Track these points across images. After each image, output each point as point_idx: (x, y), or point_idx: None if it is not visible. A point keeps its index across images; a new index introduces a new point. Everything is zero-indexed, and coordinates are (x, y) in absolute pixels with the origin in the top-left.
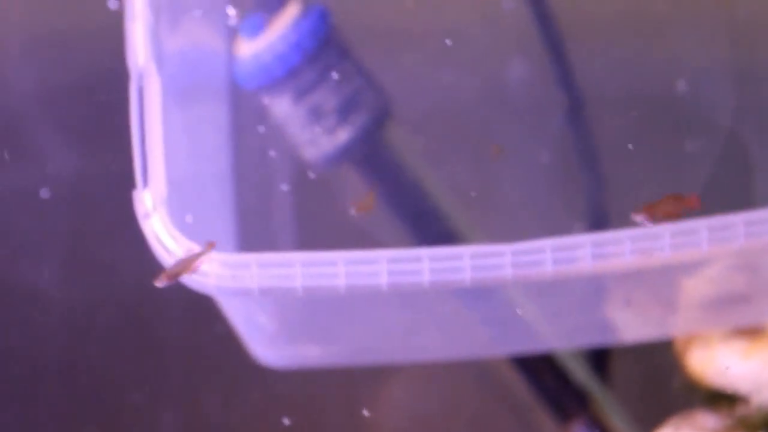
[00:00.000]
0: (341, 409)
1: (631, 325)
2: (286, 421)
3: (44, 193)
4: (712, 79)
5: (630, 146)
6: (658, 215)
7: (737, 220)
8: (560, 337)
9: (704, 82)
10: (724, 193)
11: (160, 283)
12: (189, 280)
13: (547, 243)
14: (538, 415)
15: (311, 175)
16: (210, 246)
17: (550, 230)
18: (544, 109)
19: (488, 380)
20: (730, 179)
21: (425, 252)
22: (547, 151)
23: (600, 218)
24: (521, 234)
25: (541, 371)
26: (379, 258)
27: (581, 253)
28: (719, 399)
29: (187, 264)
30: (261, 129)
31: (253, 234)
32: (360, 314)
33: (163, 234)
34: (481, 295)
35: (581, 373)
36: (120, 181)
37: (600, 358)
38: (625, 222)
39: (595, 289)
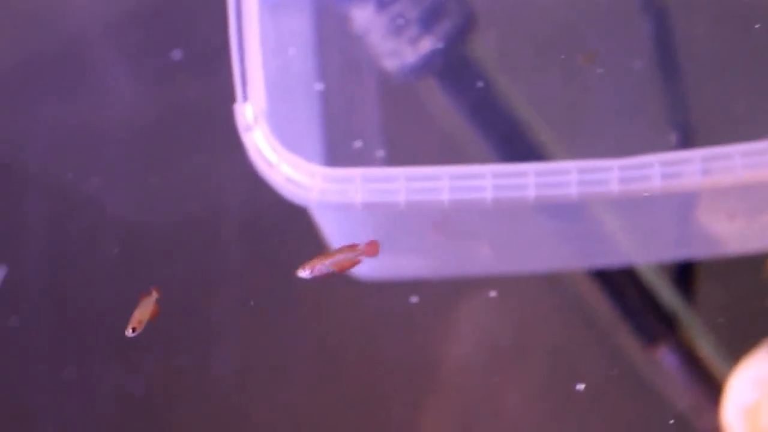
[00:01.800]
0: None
1: (731, 238)
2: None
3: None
4: None
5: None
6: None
7: None
8: (654, 250)
9: None
10: None
11: (303, 272)
12: (290, 193)
13: (656, 158)
14: (623, 339)
15: (396, 87)
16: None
17: (644, 141)
18: (635, 12)
19: (571, 305)
20: None
21: (531, 167)
22: (639, 57)
23: (689, 130)
24: (614, 146)
25: (627, 295)
26: (483, 173)
27: (690, 168)
28: None
29: (341, 264)
30: (345, 41)
31: (340, 148)
32: (455, 227)
33: (265, 146)
34: (576, 209)
35: (668, 297)
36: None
37: (686, 281)
38: (716, 134)
39: (695, 202)
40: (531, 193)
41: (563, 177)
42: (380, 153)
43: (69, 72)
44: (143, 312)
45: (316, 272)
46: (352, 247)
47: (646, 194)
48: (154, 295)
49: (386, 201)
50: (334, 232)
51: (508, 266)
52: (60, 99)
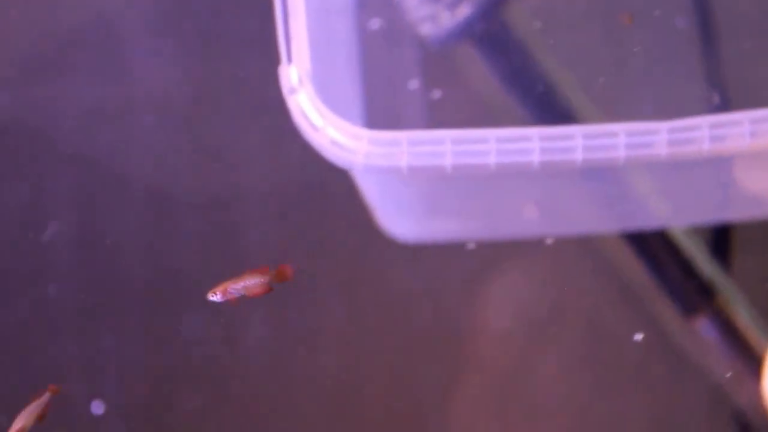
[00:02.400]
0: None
1: None
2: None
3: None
4: None
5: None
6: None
7: None
8: (693, 214)
9: None
10: None
11: (213, 296)
12: (334, 156)
13: (704, 120)
14: (661, 308)
15: (434, 53)
16: None
17: (686, 102)
18: None
19: (608, 274)
20: None
21: (578, 129)
22: (681, 15)
23: (731, 90)
24: (655, 107)
25: (665, 263)
26: (530, 135)
27: (739, 130)
28: None
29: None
30: (383, 6)
31: (380, 112)
32: (498, 190)
33: (309, 109)
34: (613, 170)
35: (706, 266)
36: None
37: (725, 249)
38: (758, 94)
39: (738, 164)
40: (578, 156)
41: (611, 140)
42: (418, 115)
43: (99, 45)
44: (30, 416)
45: (227, 296)
46: (262, 271)
47: (693, 157)
48: (47, 396)
49: (432, 164)
50: (376, 194)
51: (547, 230)
52: (90, 72)
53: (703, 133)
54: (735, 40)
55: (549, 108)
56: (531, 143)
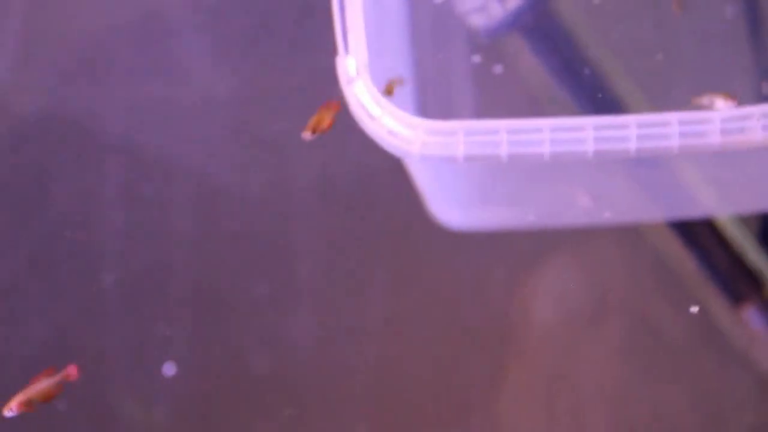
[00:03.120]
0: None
1: None
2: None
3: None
4: None
5: None
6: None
7: None
8: (740, 202)
9: None
10: None
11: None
12: (391, 145)
13: (756, 110)
14: (709, 297)
15: (484, 43)
16: None
17: (735, 91)
18: None
19: (655, 264)
20: None
21: (632, 119)
22: (730, 4)
23: None
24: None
25: (713, 252)
26: (584, 125)
27: None
28: None
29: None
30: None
31: (432, 102)
32: (551, 178)
33: (367, 99)
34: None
35: (754, 256)
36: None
37: None
38: None
39: None
40: (632, 146)
41: (664, 129)
42: (469, 103)
43: (149, 42)
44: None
45: (21, 407)
46: (48, 372)
47: (745, 147)
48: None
49: (488, 153)
50: (429, 182)
51: (597, 218)
52: (140, 70)
53: (755, 123)
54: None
55: (598, 96)
56: (585, 132)
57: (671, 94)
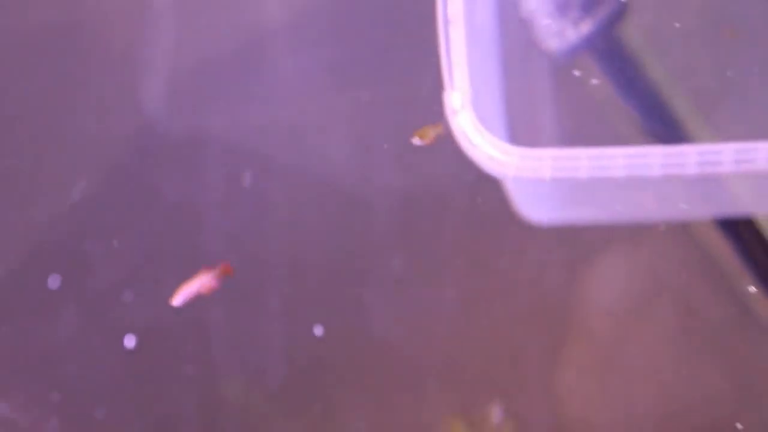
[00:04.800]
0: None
1: None
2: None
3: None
4: None
5: None
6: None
7: None
8: None
9: None
10: None
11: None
12: (490, 168)
13: None
14: (744, 284)
15: (559, 68)
16: None
17: None
18: None
19: (702, 257)
20: None
21: (692, 148)
22: None
23: None
24: (761, 121)
25: (754, 249)
26: (652, 153)
27: None
28: None
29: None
30: (523, 31)
31: (521, 123)
32: (622, 191)
33: (470, 129)
34: None
35: None
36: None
37: None
38: None
39: None
40: (692, 171)
41: (719, 156)
42: (556, 131)
43: (247, 69)
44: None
45: (186, 297)
46: (207, 269)
47: None
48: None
49: (570, 176)
50: (523, 199)
51: (656, 217)
52: (237, 96)
53: None
54: None
55: (658, 114)
56: (653, 159)
57: (727, 118)
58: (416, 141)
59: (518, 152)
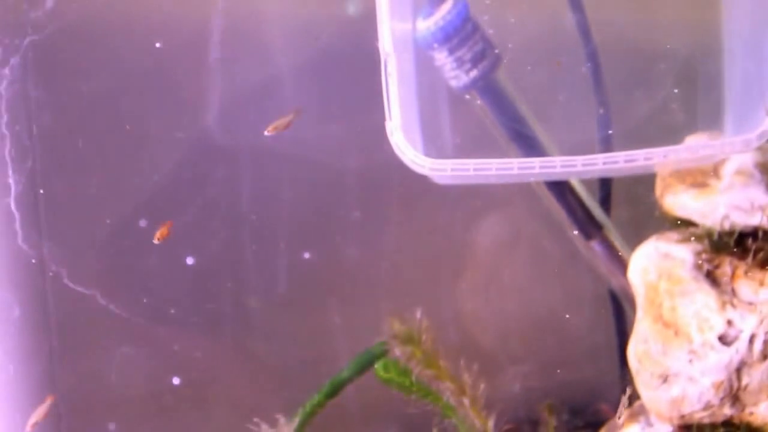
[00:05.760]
0: None
1: None
2: None
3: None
4: None
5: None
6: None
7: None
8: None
9: None
10: None
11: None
12: (415, 168)
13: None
14: (571, 234)
15: (458, 97)
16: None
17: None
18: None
19: (541, 210)
20: None
21: (536, 160)
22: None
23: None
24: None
25: (575, 208)
26: (512, 162)
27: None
28: (681, 224)
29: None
30: (430, 73)
31: (431, 138)
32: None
33: (402, 144)
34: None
35: (597, 211)
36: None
37: (607, 202)
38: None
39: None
40: (536, 172)
41: (553, 163)
42: (452, 137)
43: (266, 100)
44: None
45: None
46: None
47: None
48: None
49: (463, 176)
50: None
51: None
52: (260, 117)
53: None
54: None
55: (518, 125)
56: (513, 165)
57: (563, 130)
58: (269, 132)
59: (429, 161)
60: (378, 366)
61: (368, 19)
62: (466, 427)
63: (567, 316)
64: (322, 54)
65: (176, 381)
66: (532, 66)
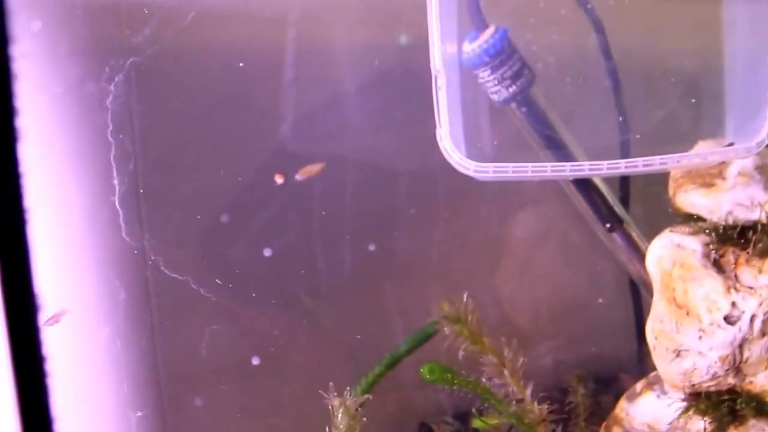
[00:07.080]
0: None
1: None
2: None
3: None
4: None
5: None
6: None
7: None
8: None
9: None
10: None
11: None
12: (461, 169)
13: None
14: (595, 227)
15: (498, 109)
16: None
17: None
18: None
19: (570, 207)
20: None
21: (567, 164)
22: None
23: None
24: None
25: (598, 204)
26: (546, 165)
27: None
28: (691, 219)
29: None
30: (473, 88)
31: (473, 143)
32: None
33: (449, 149)
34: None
35: (618, 207)
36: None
37: (626, 200)
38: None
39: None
40: (568, 173)
41: (599, 165)
42: (493, 143)
43: (333, 115)
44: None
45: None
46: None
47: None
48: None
49: (504, 176)
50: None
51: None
52: (326, 130)
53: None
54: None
55: (554, 139)
56: (547, 167)
57: (588, 138)
58: (301, 176)
59: (473, 165)
60: (423, 370)
61: (417, 48)
62: (503, 407)
63: (600, 300)
64: (379, 75)
65: (256, 355)
66: (561, 81)
